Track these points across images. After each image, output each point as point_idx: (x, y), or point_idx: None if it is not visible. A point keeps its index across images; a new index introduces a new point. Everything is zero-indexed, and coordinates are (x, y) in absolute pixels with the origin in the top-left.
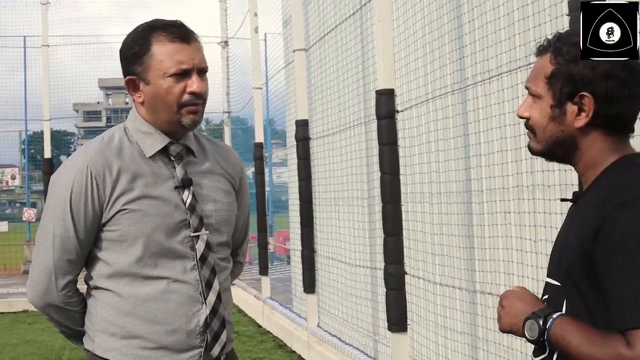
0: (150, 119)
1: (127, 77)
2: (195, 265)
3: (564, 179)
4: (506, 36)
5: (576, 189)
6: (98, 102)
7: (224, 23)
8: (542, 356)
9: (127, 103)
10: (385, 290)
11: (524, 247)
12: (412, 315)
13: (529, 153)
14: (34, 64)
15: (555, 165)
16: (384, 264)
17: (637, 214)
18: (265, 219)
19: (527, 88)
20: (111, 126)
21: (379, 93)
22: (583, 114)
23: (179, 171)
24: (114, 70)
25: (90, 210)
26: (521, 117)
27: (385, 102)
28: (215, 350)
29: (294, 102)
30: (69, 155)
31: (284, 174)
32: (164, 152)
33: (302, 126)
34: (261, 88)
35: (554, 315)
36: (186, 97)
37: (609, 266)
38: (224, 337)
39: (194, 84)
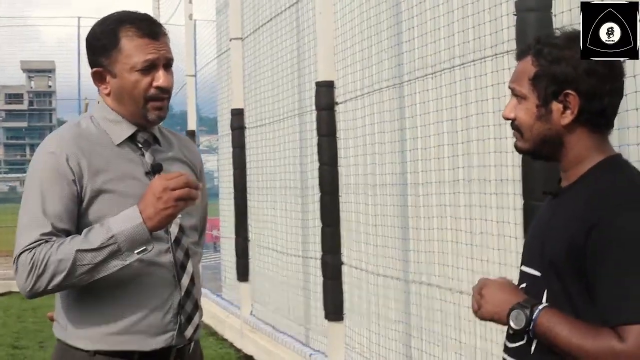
0: (116, 109)
1: (94, 69)
2: (169, 248)
3: (500, 175)
4: (445, 34)
5: (516, 184)
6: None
7: (156, 9)
8: (520, 343)
9: (50, 86)
10: (319, 279)
11: (459, 239)
12: (347, 304)
13: (466, 149)
14: None
15: (492, 160)
16: (318, 253)
17: (633, 216)
18: None
19: (511, 89)
20: (33, 109)
21: (319, 85)
22: (568, 111)
23: (148, 157)
24: (38, 53)
25: (68, 194)
26: (507, 119)
27: (325, 93)
28: (189, 332)
29: (228, 91)
30: None
31: (209, 162)
32: (131, 139)
33: (238, 115)
34: (194, 75)
35: (540, 307)
36: (152, 91)
37: (602, 264)
38: (196, 319)
39: (160, 78)
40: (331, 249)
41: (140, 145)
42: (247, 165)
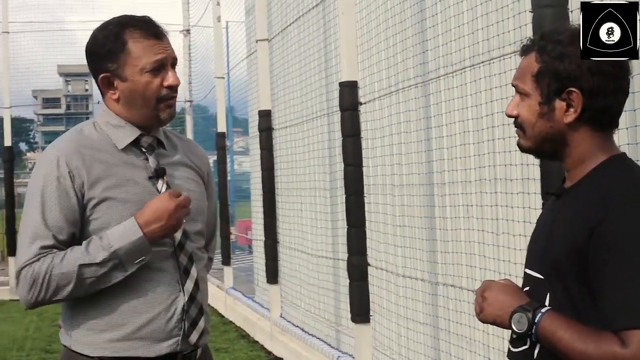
0: (123, 114)
1: (102, 75)
2: (173, 253)
3: (526, 174)
4: (469, 31)
5: (538, 183)
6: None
7: (186, 11)
8: (523, 347)
9: (87, 90)
10: (347, 281)
11: (486, 240)
12: (375, 306)
13: (491, 147)
14: None
15: (516, 159)
16: (346, 254)
17: (636, 217)
18: (227, 208)
19: (514, 86)
20: (70, 113)
21: (342, 85)
22: (571, 109)
23: (151, 162)
24: (74, 57)
25: (68, 203)
26: (509, 116)
27: (349, 94)
28: (194, 337)
29: (257, 92)
30: (27, 142)
31: (245, 163)
32: (135, 144)
33: (265, 117)
34: (224, 77)
35: (543, 310)
36: (164, 91)
37: (604, 266)
38: (202, 324)
39: (170, 77)
40: (357, 250)
41: (144, 150)
42: (276, 167)
